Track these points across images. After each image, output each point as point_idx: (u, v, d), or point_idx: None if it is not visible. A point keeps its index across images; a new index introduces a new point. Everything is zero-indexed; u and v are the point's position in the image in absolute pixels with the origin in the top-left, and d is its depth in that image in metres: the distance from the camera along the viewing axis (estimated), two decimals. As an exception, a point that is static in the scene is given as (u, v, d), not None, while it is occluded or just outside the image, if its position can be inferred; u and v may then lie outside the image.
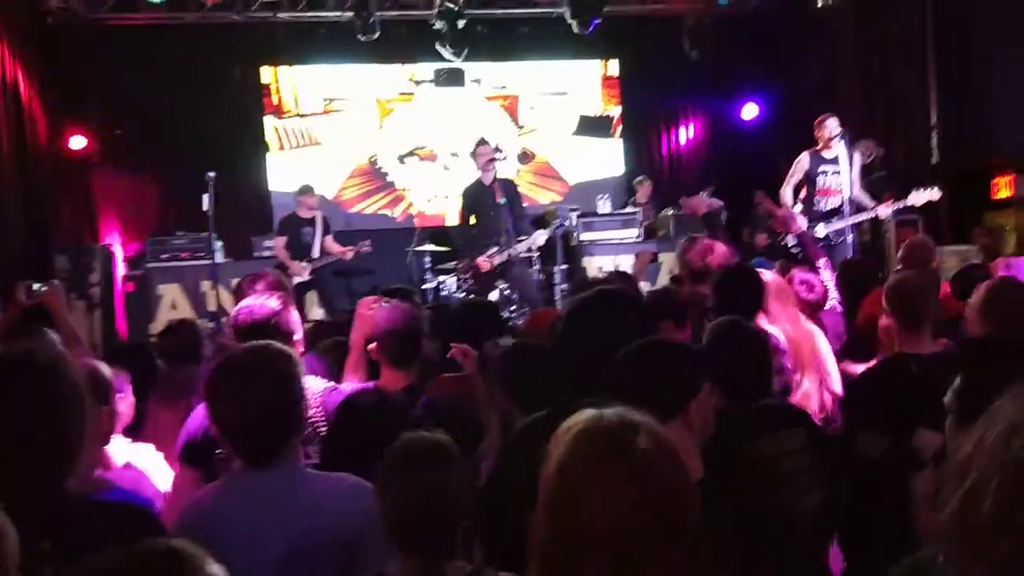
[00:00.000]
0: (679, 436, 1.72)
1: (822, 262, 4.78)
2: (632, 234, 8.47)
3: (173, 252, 7.99)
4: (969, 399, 1.68)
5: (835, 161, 6.47)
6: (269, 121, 9.85)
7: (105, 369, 2.43)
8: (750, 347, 2.40)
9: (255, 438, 1.77)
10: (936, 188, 6.39)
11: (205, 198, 6.59)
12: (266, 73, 9.85)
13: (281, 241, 7.84)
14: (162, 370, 3.57)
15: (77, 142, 8.48)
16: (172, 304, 7.78)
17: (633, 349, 1.90)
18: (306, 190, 8.06)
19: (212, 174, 6.47)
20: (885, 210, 6.43)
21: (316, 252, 7.82)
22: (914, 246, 4.76)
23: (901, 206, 6.42)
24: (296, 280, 7.24)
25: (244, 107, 9.71)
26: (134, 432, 2.90)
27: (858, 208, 6.45)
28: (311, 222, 7.91)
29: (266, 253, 8.16)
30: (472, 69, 9.95)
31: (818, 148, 6.54)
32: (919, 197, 6.31)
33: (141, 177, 9.33)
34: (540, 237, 7.10)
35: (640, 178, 9.49)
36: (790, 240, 6.26)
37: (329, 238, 7.98)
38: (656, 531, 1.13)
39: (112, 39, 8.68)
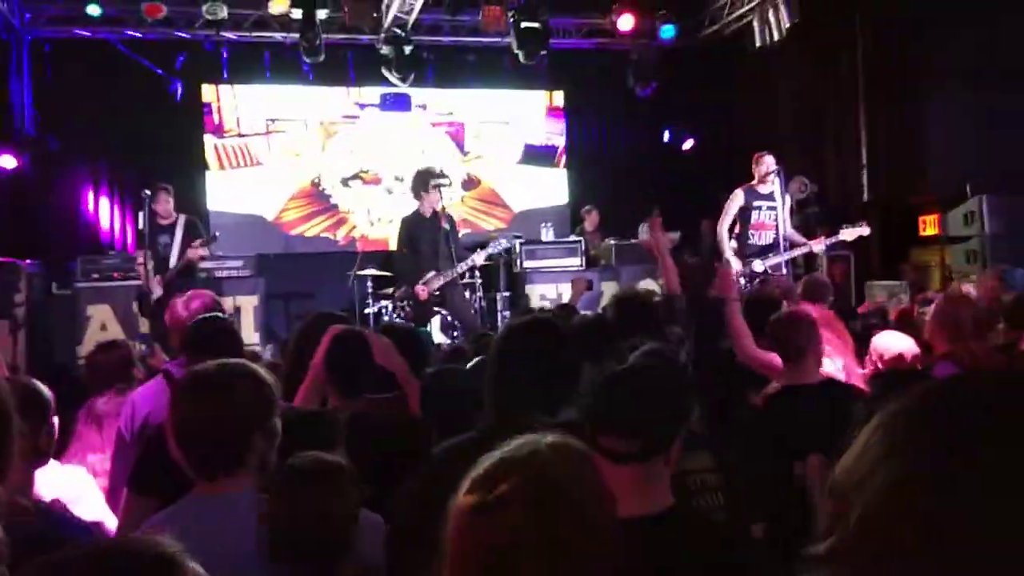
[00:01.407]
0: (658, 471, 1.64)
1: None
2: (575, 262, 8.54)
3: (104, 271, 7.72)
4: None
5: (770, 197, 6.66)
6: (209, 140, 9.70)
7: (43, 388, 2.35)
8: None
9: (211, 458, 1.77)
10: (865, 224, 6.67)
11: (140, 216, 6.42)
12: (208, 91, 9.70)
13: (142, 255, 6.90)
14: (90, 392, 3.45)
15: (5, 160, 8.20)
16: (102, 325, 7.51)
17: (625, 375, 1.74)
18: (158, 189, 6.89)
19: (149, 192, 6.31)
20: (819, 245, 6.67)
21: (173, 262, 6.86)
22: (811, 283, 4.95)
23: (833, 241, 6.66)
24: (154, 296, 6.64)
25: (183, 125, 9.53)
26: (58, 454, 2.80)
27: (791, 243, 6.64)
28: (168, 229, 6.89)
29: (202, 275, 7.86)
30: (418, 95, 9.98)
31: (753, 183, 6.72)
32: (850, 233, 6.59)
33: (73, 194, 9.08)
34: (479, 256, 7.09)
35: (588, 207, 9.58)
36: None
37: (197, 244, 6.88)
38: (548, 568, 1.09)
39: (50, 53, 8.47)
